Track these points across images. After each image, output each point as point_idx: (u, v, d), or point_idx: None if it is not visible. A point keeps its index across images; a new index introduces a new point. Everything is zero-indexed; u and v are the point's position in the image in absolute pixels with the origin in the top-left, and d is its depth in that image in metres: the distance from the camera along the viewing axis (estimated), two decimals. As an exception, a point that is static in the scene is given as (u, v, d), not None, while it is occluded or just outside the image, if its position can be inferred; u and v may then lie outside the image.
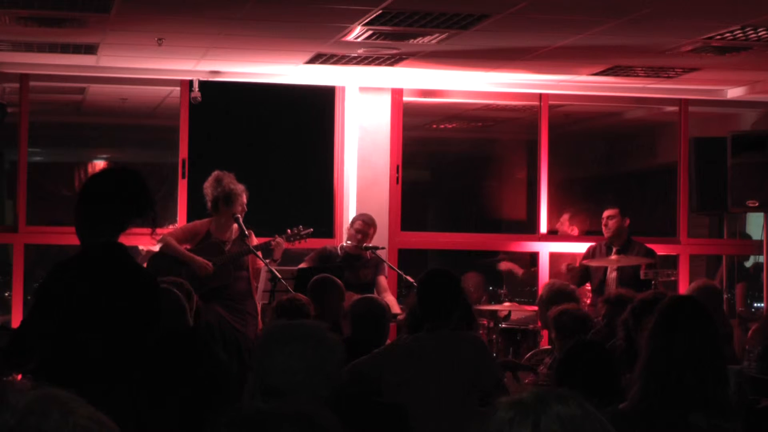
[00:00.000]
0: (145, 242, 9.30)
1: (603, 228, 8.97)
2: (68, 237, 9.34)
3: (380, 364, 4.97)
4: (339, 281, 6.90)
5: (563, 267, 9.55)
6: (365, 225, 8.53)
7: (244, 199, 7.81)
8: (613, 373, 4.17)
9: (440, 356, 4.95)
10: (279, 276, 7.43)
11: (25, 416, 1.62)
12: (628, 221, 8.96)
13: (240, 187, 7.82)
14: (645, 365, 3.41)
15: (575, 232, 10.10)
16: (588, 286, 9.10)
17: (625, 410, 3.40)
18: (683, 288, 9.34)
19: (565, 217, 10.16)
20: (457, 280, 5.23)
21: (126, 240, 10.13)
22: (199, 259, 7.67)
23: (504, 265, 9.94)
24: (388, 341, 5.64)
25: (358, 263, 8.46)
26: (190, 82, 9.11)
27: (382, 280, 8.43)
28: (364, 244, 8.44)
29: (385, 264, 8.51)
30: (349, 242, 8.51)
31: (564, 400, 1.78)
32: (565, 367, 4.24)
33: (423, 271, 5.34)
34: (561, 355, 4.48)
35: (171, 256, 7.73)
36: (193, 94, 9.08)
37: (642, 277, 8.52)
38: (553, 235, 9.96)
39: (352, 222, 8.67)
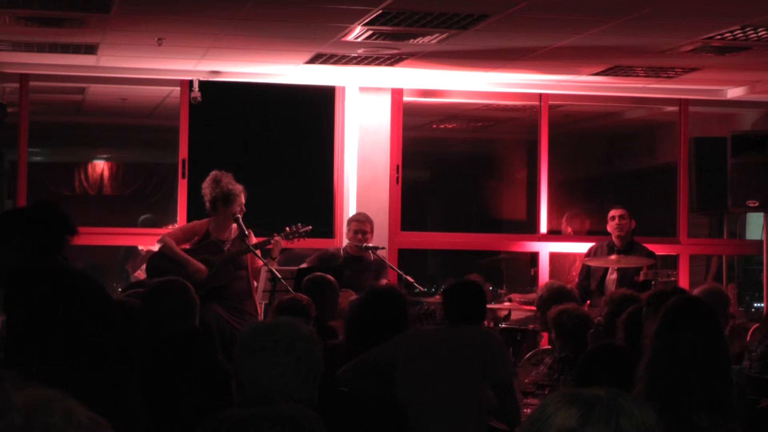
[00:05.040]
0: (145, 242, 9.31)
1: (612, 227, 8.94)
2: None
3: (394, 352, 5.05)
4: (332, 279, 6.89)
5: (573, 273, 9.50)
6: (361, 224, 8.55)
7: (243, 199, 7.81)
8: (632, 378, 4.17)
9: (453, 346, 5.06)
10: (279, 276, 7.43)
11: (30, 415, 1.62)
12: (634, 223, 8.96)
13: (238, 188, 7.81)
14: (649, 365, 3.41)
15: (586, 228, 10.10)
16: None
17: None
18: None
19: (577, 216, 10.16)
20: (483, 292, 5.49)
21: (126, 240, 10.10)
22: (195, 263, 7.65)
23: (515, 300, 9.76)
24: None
25: (360, 264, 8.47)
26: (190, 82, 9.11)
27: (385, 282, 8.44)
28: (365, 244, 8.44)
29: (388, 267, 8.54)
30: (350, 243, 8.53)
31: (640, 404, 1.70)
32: (587, 370, 4.24)
33: (451, 282, 5.59)
34: (583, 357, 4.47)
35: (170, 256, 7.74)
36: (193, 94, 9.08)
37: (642, 277, 8.52)
38: (555, 234, 9.96)
39: (348, 225, 8.68)
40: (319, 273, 7.07)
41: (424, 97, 9.92)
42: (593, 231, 9.94)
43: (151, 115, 11.28)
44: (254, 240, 7.84)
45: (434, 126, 12.05)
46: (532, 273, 10.03)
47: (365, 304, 5.40)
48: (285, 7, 6.70)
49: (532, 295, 9.71)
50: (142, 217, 10.42)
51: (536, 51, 7.96)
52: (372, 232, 8.60)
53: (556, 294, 6.94)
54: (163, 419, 4.58)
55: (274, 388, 3.06)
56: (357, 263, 8.48)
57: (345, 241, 8.90)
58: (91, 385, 3.81)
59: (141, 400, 4.29)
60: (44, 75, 9.05)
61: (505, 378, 5.10)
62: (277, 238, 7.88)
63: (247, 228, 7.74)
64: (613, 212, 8.99)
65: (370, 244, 8.50)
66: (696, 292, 7.19)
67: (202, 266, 7.64)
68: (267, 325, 3.32)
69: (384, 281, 8.41)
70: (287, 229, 7.97)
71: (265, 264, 7.59)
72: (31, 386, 1.72)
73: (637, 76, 8.96)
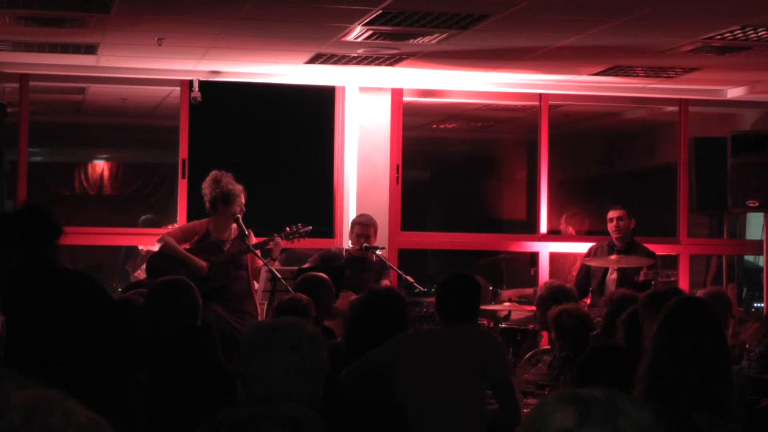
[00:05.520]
0: (145, 242, 9.31)
1: (610, 228, 8.93)
2: (68, 237, 9.34)
3: (394, 353, 5.07)
4: (326, 278, 6.88)
5: (573, 273, 9.49)
6: (364, 227, 8.54)
7: (243, 199, 7.81)
8: (632, 378, 4.17)
9: (452, 346, 5.07)
10: (279, 276, 7.43)
11: (30, 415, 1.62)
12: (634, 223, 8.95)
13: (238, 188, 7.81)
14: (649, 365, 3.41)
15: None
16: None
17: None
18: (684, 288, 9.32)
19: (576, 216, 10.17)
20: (478, 285, 5.39)
21: (126, 240, 10.11)
22: (196, 260, 7.66)
23: (508, 296, 9.67)
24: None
25: (362, 265, 8.47)
26: (190, 82, 9.11)
27: (386, 283, 8.43)
28: (366, 245, 8.44)
29: (390, 268, 8.53)
30: (353, 246, 8.54)
31: (638, 404, 1.71)
32: (587, 370, 4.24)
33: (445, 275, 5.46)
34: (583, 357, 4.47)
35: (171, 255, 7.73)
36: (193, 94, 9.08)
37: (642, 277, 8.52)
38: (554, 234, 9.96)
39: (351, 227, 8.68)
40: (312, 272, 7.06)
41: (424, 97, 9.92)
42: (593, 231, 9.94)
43: (151, 115, 11.28)
44: (254, 240, 7.85)
45: (434, 126, 12.05)
46: (532, 273, 10.03)
47: (365, 305, 5.41)
48: (285, 7, 6.70)
49: (529, 290, 9.73)
50: (143, 218, 10.43)
51: (536, 51, 7.96)
52: (375, 235, 8.59)
53: (555, 293, 6.94)
54: (163, 419, 4.58)
55: (279, 387, 3.07)
56: (359, 264, 8.48)
57: (347, 242, 8.90)
58: (91, 385, 3.81)
59: (141, 400, 4.29)
60: (44, 75, 9.05)
61: (504, 378, 5.10)
62: (277, 238, 7.88)
63: (247, 228, 7.74)
64: (611, 214, 8.98)
65: (373, 244, 8.49)
66: (698, 294, 7.19)
67: (202, 263, 7.65)
68: (273, 324, 3.32)
69: (386, 282, 8.41)
70: (287, 229, 7.97)
71: (266, 264, 7.59)
72: (31, 386, 1.72)
73: (637, 76, 8.96)
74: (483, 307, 8.78)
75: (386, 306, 5.35)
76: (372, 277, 8.43)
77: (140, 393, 4.30)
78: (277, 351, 3.10)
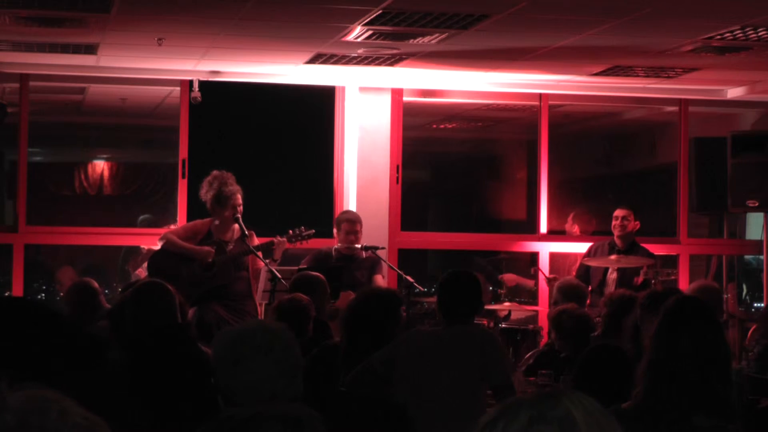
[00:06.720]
0: (145, 242, 9.31)
1: (614, 225, 8.92)
2: (68, 237, 9.40)
3: (394, 354, 5.07)
4: (322, 277, 6.88)
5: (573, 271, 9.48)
6: (351, 224, 8.50)
7: (239, 199, 7.80)
8: (632, 378, 4.17)
9: (450, 349, 5.07)
10: (279, 276, 7.43)
11: (25, 415, 1.62)
12: (638, 225, 8.93)
13: (233, 188, 7.81)
14: (649, 365, 3.41)
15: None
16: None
17: (628, 409, 3.39)
18: (683, 288, 9.32)
19: (584, 215, 10.17)
20: (477, 282, 5.40)
21: (126, 240, 10.13)
22: (199, 248, 7.67)
23: (509, 279, 9.69)
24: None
25: (352, 264, 8.44)
26: (190, 82, 9.11)
27: (379, 279, 8.41)
28: (359, 244, 8.42)
29: (383, 263, 8.49)
30: (343, 245, 8.47)
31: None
32: (587, 370, 4.23)
33: (446, 272, 5.47)
34: (583, 357, 4.47)
35: (172, 254, 7.74)
36: (193, 94, 9.08)
37: (642, 277, 8.51)
38: (554, 234, 9.95)
39: (338, 225, 8.58)
40: (307, 272, 7.06)
41: (424, 97, 9.92)
42: (598, 231, 9.93)
43: (151, 115, 11.27)
44: (255, 241, 7.85)
45: (434, 126, 12.04)
46: (532, 272, 10.03)
47: (360, 304, 5.42)
48: (285, 7, 6.70)
49: (530, 282, 9.73)
50: (141, 218, 10.43)
51: (536, 51, 7.96)
52: (361, 231, 8.56)
53: (567, 291, 6.98)
54: (145, 408, 4.58)
55: (264, 393, 3.05)
56: (349, 261, 8.45)
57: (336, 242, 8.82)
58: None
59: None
60: (44, 75, 9.05)
61: (505, 379, 5.09)
62: (280, 239, 7.87)
63: (248, 229, 7.74)
64: (617, 212, 8.97)
65: (364, 244, 8.45)
66: (689, 290, 7.21)
67: (206, 247, 7.66)
68: (241, 332, 3.26)
69: (379, 277, 8.41)
70: (290, 231, 7.97)
71: (266, 264, 7.59)
72: (29, 387, 1.72)
73: (637, 76, 8.96)
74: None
75: (381, 304, 5.36)
76: (365, 274, 8.41)
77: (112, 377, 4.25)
78: (253, 359, 3.06)
